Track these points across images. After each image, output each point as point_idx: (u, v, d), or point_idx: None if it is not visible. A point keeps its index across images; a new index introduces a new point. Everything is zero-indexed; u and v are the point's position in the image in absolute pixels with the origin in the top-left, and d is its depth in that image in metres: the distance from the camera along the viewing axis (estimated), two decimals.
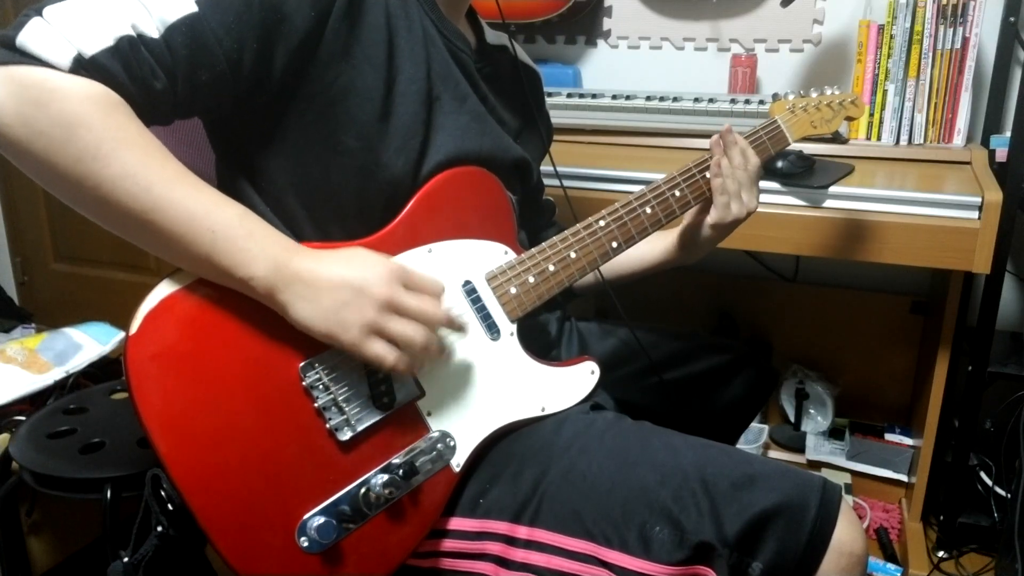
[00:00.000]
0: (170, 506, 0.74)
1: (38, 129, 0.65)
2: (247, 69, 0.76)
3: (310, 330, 0.74)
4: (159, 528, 0.76)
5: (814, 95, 1.16)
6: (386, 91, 0.83)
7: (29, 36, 0.66)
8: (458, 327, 0.83)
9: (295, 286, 0.73)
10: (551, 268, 0.93)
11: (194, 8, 0.71)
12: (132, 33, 0.69)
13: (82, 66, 0.67)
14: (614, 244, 0.97)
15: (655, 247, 1.14)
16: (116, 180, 0.67)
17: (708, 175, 1.02)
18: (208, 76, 0.74)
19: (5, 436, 1.41)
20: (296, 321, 0.74)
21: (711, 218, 1.04)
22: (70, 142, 0.66)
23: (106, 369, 1.65)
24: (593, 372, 0.95)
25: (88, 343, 1.64)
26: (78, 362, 1.59)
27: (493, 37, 1.06)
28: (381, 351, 0.75)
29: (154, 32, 0.70)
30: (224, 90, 0.76)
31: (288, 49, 0.77)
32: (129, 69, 0.69)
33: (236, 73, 0.75)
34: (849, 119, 1.20)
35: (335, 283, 0.73)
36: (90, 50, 0.67)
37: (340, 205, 0.85)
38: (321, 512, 0.76)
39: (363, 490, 0.78)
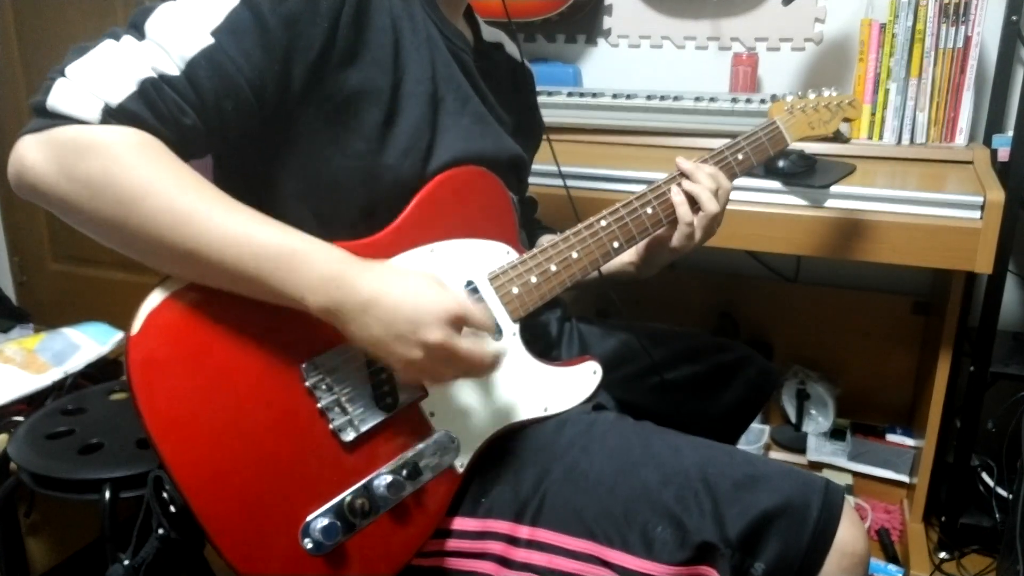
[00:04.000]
0: (172, 508, 0.74)
1: (80, 181, 0.67)
2: (270, 92, 0.76)
3: (357, 344, 0.75)
4: (160, 530, 0.76)
5: (812, 96, 1.16)
6: (392, 93, 0.83)
7: (57, 97, 0.68)
8: (496, 363, 0.80)
9: (348, 307, 0.72)
10: (553, 268, 0.92)
11: (211, 40, 0.72)
12: (154, 75, 0.70)
13: (111, 115, 0.68)
14: (615, 244, 0.97)
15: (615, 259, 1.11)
16: (156, 216, 0.68)
17: (675, 199, 0.99)
18: (234, 104, 0.74)
19: (3, 437, 1.41)
20: (347, 336, 0.74)
21: (673, 241, 1.01)
22: (109, 187, 0.67)
23: (105, 370, 1.64)
24: (595, 372, 0.95)
25: (87, 343, 1.64)
26: (77, 362, 1.59)
27: (489, 35, 1.06)
28: (415, 380, 0.79)
29: (175, 70, 0.71)
30: (251, 115, 0.76)
31: (305, 65, 0.77)
32: (156, 110, 0.70)
33: (260, 98, 0.76)
34: (847, 120, 1.21)
35: (390, 317, 0.72)
36: (116, 99, 0.68)
37: (347, 208, 0.85)
38: (325, 513, 0.76)
39: (367, 491, 0.78)
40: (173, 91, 0.71)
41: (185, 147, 0.73)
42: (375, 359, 0.76)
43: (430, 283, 0.75)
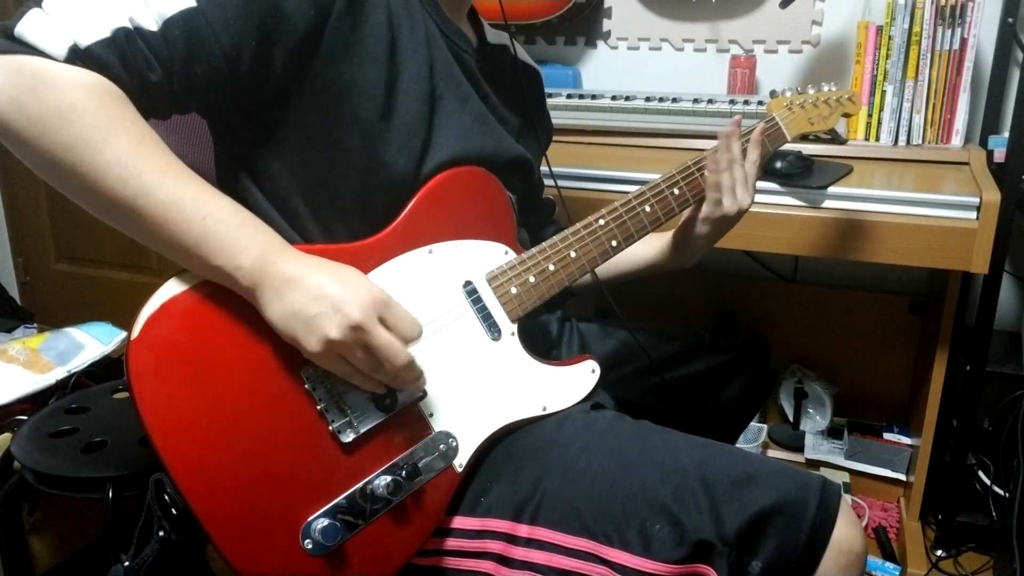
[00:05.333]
0: (173, 511, 0.75)
1: (33, 116, 0.66)
2: (245, 67, 0.76)
3: (276, 328, 0.74)
4: (161, 533, 0.77)
5: (811, 92, 1.16)
6: (387, 90, 0.84)
7: (27, 26, 0.68)
8: (413, 378, 0.79)
9: (277, 283, 0.73)
10: (551, 267, 0.93)
11: (192, 3, 0.72)
12: (129, 25, 0.70)
13: (77, 56, 0.68)
14: (613, 243, 0.97)
15: (650, 247, 1.15)
16: (107, 167, 0.68)
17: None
18: (204, 70, 0.74)
19: (7, 435, 1.42)
20: (267, 318, 0.74)
21: (702, 212, 1.04)
22: (62, 129, 0.67)
23: (108, 369, 1.65)
24: (594, 371, 0.96)
25: (90, 343, 1.65)
26: (80, 362, 1.60)
27: (494, 37, 1.07)
28: (336, 367, 0.76)
29: (152, 25, 0.71)
30: (221, 86, 0.76)
31: (288, 48, 0.78)
32: (124, 60, 0.70)
33: (234, 70, 0.76)
34: (846, 115, 1.21)
35: (314, 292, 0.73)
36: (86, 41, 0.68)
37: (343, 204, 0.85)
38: (325, 514, 0.76)
39: (367, 492, 0.79)
40: (145, 44, 0.70)
41: (147, 103, 0.73)
42: (292, 343, 0.74)
43: (357, 274, 0.77)
